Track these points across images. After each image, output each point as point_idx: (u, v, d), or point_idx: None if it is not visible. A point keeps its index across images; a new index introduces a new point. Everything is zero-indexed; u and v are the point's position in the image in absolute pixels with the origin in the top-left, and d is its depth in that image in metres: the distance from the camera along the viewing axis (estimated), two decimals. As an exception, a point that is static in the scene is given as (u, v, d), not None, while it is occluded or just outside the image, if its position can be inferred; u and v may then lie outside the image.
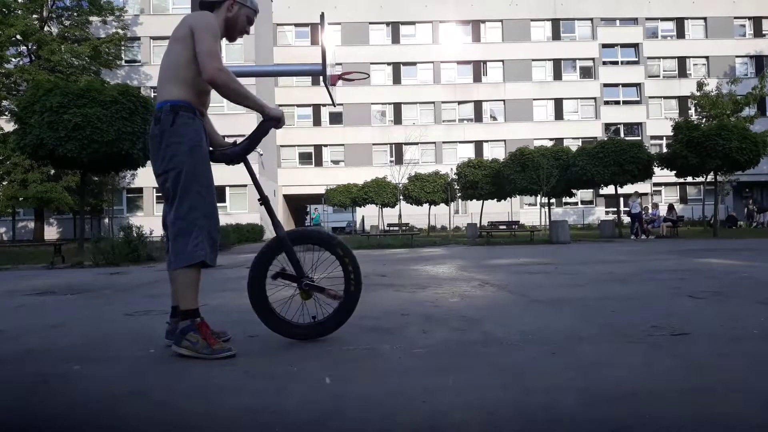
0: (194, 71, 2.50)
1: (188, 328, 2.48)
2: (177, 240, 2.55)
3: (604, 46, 40.97)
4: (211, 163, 2.66)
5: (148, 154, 12.67)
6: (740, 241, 14.99)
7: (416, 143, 36.53)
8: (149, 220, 24.01)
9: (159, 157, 2.53)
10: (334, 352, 2.49)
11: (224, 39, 2.75)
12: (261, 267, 2.78)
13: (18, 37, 24.56)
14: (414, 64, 40.62)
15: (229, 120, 31.22)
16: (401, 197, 28.83)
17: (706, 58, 40.49)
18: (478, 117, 40.62)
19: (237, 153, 2.71)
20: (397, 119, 40.35)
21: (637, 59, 41.05)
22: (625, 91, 41.18)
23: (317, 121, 40.57)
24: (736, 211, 33.54)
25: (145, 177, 28.37)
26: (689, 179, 21.30)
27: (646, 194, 36.16)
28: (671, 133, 19.58)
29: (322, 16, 9.17)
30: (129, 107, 13.66)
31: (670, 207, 20.82)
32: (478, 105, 40.53)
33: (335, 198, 29.48)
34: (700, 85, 28.91)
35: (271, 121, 2.65)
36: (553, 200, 26.86)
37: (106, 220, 29.83)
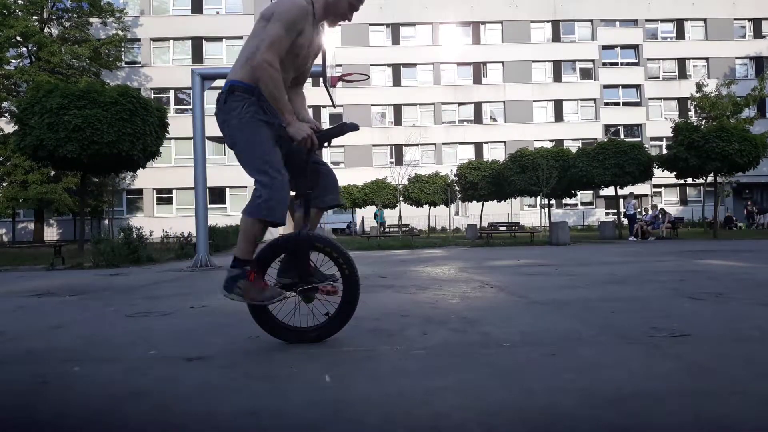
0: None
1: (239, 275, 2.55)
2: (253, 195, 2.61)
3: (604, 47, 40.99)
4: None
5: (147, 155, 12.54)
6: (740, 242, 14.99)
7: (416, 144, 36.53)
8: (149, 222, 24.07)
9: (224, 135, 2.69)
10: (334, 353, 2.49)
11: (324, 23, 2.78)
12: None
13: (18, 38, 24.60)
14: (414, 65, 40.64)
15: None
16: (401, 198, 28.84)
17: (706, 59, 40.52)
18: (478, 118, 40.63)
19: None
20: (397, 120, 40.35)
21: (637, 60, 41.07)
22: (625, 93, 41.19)
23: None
24: (735, 213, 33.54)
25: (145, 178, 28.45)
26: (689, 180, 21.31)
27: (645, 195, 36.17)
28: (671, 135, 19.59)
29: (322, 17, 9.17)
30: (129, 108, 13.68)
31: (663, 211, 20.80)
32: (478, 106, 40.55)
33: (335, 199, 29.49)
34: (699, 87, 28.94)
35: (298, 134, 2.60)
36: (553, 201, 26.87)
37: (106, 222, 29.84)
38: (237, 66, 2.68)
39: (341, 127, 2.72)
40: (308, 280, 2.72)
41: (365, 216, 36.46)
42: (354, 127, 2.72)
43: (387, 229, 27.16)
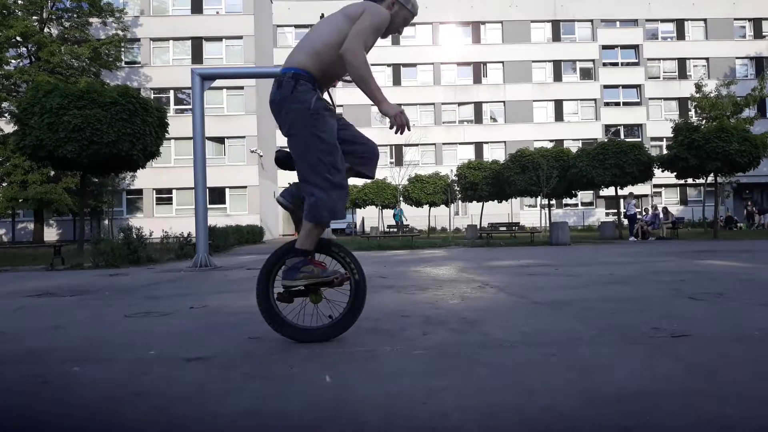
0: (331, 57, 2.65)
1: (301, 262, 2.66)
2: (306, 196, 2.68)
3: (604, 47, 41.01)
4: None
5: (147, 155, 12.47)
6: (740, 242, 14.99)
7: (416, 145, 36.55)
8: (149, 222, 24.07)
9: (281, 122, 2.70)
10: (335, 353, 2.49)
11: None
12: (266, 285, 2.75)
13: (18, 38, 24.58)
14: (414, 65, 40.66)
15: (228, 120, 31.29)
16: (401, 199, 28.83)
17: (706, 59, 40.54)
18: (478, 118, 40.65)
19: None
20: (397, 120, 40.33)
21: (637, 60, 41.09)
22: (625, 93, 41.21)
23: (317, 123, 40.58)
24: (735, 213, 33.54)
25: (145, 178, 28.44)
26: (689, 181, 21.31)
27: (646, 196, 36.17)
28: (671, 135, 19.59)
29: (322, 17, 9.18)
30: (129, 109, 13.68)
31: (665, 210, 20.82)
32: (478, 106, 40.56)
33: (335, 199, 29.46)
34: (698, 87, 28.93)
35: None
36: (553, 202, 26.86)
37: (106, 222, 29.84)
38: (300, 55, 2.69)
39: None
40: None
41: (365, 216, 36.47)
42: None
43: (388, 230, 27.16)
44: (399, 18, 2.86)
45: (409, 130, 2.72)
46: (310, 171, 2.62)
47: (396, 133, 2.68)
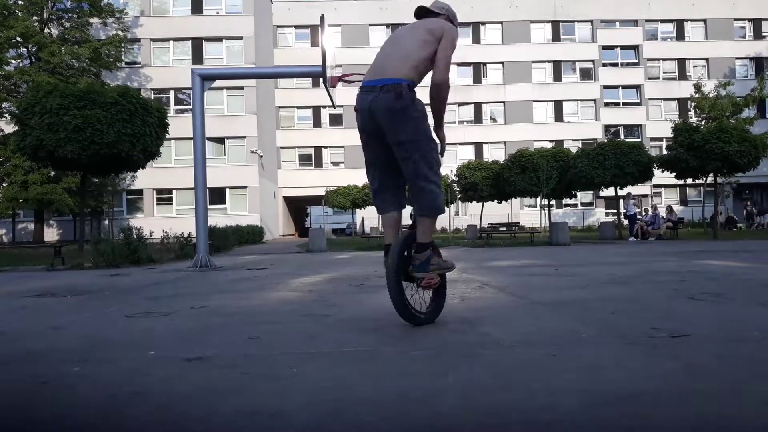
0: (424, 69, 3.04)
1: (431, 255, 2.99)
2: (424, 193, 2.97)
3: (604, 47, 41.03)
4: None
5: (147, 155, 12.42)
6: (740, 242, 14.99)
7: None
8: (149, 222, 24.07)
9: (402, 129, 2.92)
10: (334, 353, 2.49)
11: None
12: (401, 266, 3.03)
13: (18, 38, 24.58)
14: (414, 65, 40.62)
15: (229, 121, 31.29)
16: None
17: (706, 59, 40.56)
18: (478, 118, 40.66)
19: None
20: (397, 121, 40.34)
21: (636, 61, 41.11)
22: (625, 93, 41.23)
23: (317, 123, 40.60)
24: (735, 213, 33.53)
25: (145, 179, 28.45)
26: (689, 181, 21.31)
27: (645, 196, 36.18)
28: (671, 135, 19.60)
29: (322, 17, 9.18)
30: (129, 109, 13.69)
31: (669, 209, 20.82)
32: (477, 107, 40.57)
33: (335, 200, 29.50)
34: (697, 87, 28.94)
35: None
36: (553, 202, 26.86)
37: (106, 222, 29.85)
38: (403, 68, 2.98)
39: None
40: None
41: (365, 216, 36.47)
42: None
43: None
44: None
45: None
46: (430, 170, 2.95)
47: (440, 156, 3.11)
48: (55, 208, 25.64)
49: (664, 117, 39.45)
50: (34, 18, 25.86)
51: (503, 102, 40.33)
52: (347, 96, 36.05)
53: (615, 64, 41.29)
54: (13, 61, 25.44)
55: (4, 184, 25.56)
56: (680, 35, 41.29)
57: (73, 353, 2.65)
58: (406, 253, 3.04)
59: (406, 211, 3.24)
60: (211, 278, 7.22)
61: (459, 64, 40.67)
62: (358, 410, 1.72)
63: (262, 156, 32.12)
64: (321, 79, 9.44)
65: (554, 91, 40.59)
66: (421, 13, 3.30)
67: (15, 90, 25.18)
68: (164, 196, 31.73)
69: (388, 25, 41.10)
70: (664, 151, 26.17)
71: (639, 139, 35.90)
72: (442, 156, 3.11)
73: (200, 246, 9.46)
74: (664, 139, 35.36)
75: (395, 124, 2.91)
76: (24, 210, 28.11)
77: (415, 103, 2.94)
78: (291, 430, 1.57)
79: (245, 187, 31.43)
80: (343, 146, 40.20)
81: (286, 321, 3.46)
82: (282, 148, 39.80)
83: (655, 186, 37.48)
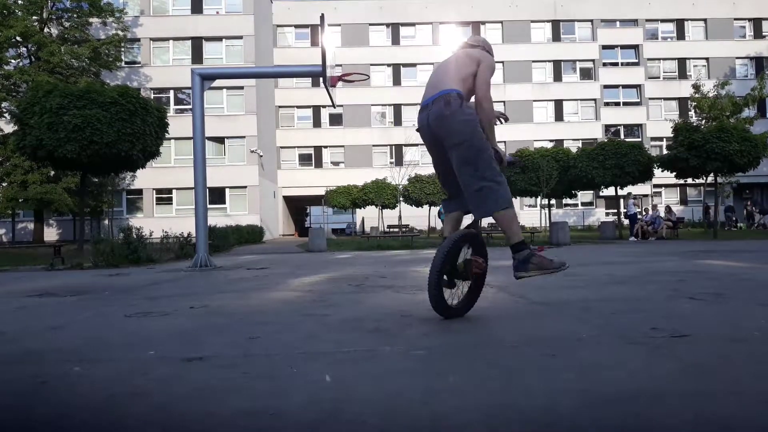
0: (470, 84, 3.32)
1: (529, 255, 3.11)
2: (484, 191, 3.10)
3: (604, 47, 41.02)
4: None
5: (147, 155, 12.42)
6: (740, 242, 14.99)
7: (416, 144, 36.47)
8: (149, 222, 24.07)
9: (454, 131, 3.15)
10: (335, 353, 2.49)
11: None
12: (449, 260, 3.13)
13: (18, 38, 24.58)
14: (414, 65, 40.65)
15: (228, 120, 31.28)
16: (401, 198, 28.81)
17: (706, 59, 40.54)
18: (478, 118, 40.60)
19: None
20: (398, 120, 40.37)
21: (637, 60, 41.10)
22: (625, 93, 41.22)
23: (317, 123, 40.59)
24: (735, 213, 33.52)
25: (144, 178, 28.46)
26: (689, 181, 21.31)
27: (646, 196, 36.18)
28: (671, 135, 19.60)
29: (322, 17, 9.18)
30: (129, 109, 13.69)
31: (668, 209, 20.83)
32: (478, 106, 40.52)
33: (335, 199, 29.49)
34: (696, 87, 28.92)
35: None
36: (553, 202, 26.86)
37: (106, 222, 29.84)
38: (451, 82, 3.27)
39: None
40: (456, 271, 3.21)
41: (365, 216, 36.46)
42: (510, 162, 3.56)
43: (388, 230, 27.16)
44: None
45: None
46: (488, 166, 3.10)
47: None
48: (54, 208, 25.63)
49: (664, 117, 39.44)
50: (34, 17, 25.83)
51: (503, 101, 40.30)
52: (347, 95, 36.14)
53: (615, 64, 41.28)
54: (12, 61, 25.43)
55: (4, 184, 25.55)
56: (680, 35, 41.28)
57: (73, 353, 2.65)
58: (454, 252, 3.15)
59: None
60: (211, 278, 7.22)
61: (459, 64, 40.62)
62: (358, 410, 1.72)
63: (261, 156, 32.11)
64: (321, 79, 9.44)
65: (554, 91, 40.58)
66: (464, 46, 3.69)
67: (15, 90, 25.16)
68: (164, 196, 31.72)
69: (387, 25, 41.10)
70: (664, 151, 26.17)
71: (639, 139, 35.92)
72: (501, 164, 3.28)
73: (200, 246, 9.46)
74: (665, 139, 35.37)
75: (448, 128, 3.16)
76: (24, 210, 28.10)
77: (463, 107, 3.16)
78: (291, 430, 1.57)
79: (245, 187, 31.42)
80: (343, 146, 40.20)
81: (286, 321, 3.46)
82: (282, 147, 39.79)
83: (655, 186, 37.48)
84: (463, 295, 3.34)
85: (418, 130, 3.40)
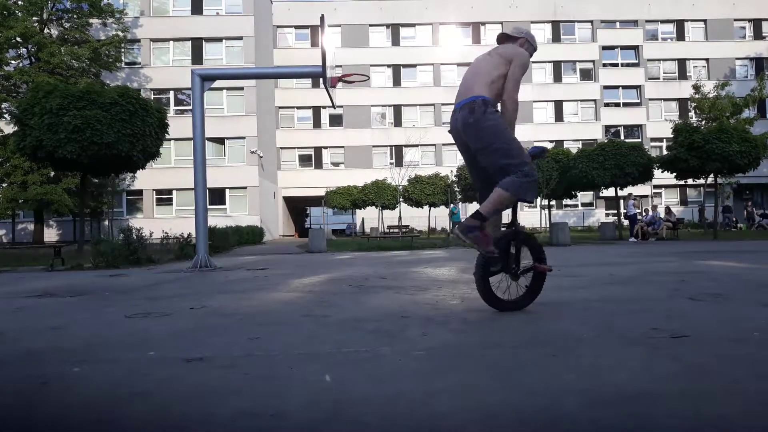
0: (500, 86, 3.46)
1: (477, 227, 3.32)
2: (510, 175, 3.30)
3: (604, 48, 41.02)
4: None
5: (147, 156, 12.45)
6: (740, 242, 14.98)
7: (416, 145, 36.54)
8: (149, 222, 24.08)
9: (478, 138, 3.37)
10: (335, 354, 2.49)
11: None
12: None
13: (18, 39, 24.56)
14: (414, 66, 40.67)
15: (229, 121, 31.28)
16: (401, 199, 28.82)
17: (706, 60, 40.55)
18: (478, 119, 40.60)
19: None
20: (397, 121, 40.38)
21: (637, 61, 41.10)
22: (625, 93, 41.22)
23: (317, 123, 40.60)
24: (735, 213, 33.51)
25: (144, 179, 28.46)
26: (689, 181, 21.30)
27: (646, 196, 36.18)
28: (671, 136, 19.60)
29: (322, 18, 9.19)
30: (129, 109, 13.68)
31: (668, 209, 20.82)
32: (478, 107, 40.51)
33: (335, 200, 29.49)
34: (696, 88, 28.91)
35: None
36: (553, 202, 26.85)
37: (106, 222, 29.83)
38: (478, 87, 3.44)
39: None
40: (512, 268, 3.57)
41: (365, 217, 36.46)
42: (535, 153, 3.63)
43: (388, 230, 27.15)
44: (529, 52, 3.71)
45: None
46: (518, 160, 3.32)
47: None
48: (54, 209, 25.61)
49: (664, 117, 39.45)
50: (34, 18, 25.82)
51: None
52: (347, 96, 36.14)
53: (615, 65, 41.29)
54: (12, 62, 25.41)
55: (4, 185, 25.54)
56: (680, 35, 41.29)
57: (73, 353, 2.65)
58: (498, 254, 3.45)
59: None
60: (211, 279, 7.22)
61: (459, 65, 40.67)
62: (359, 410, 1.72)
63: (261, 156, 32.11)
64: (321, 80, 9.44)
65: (554, 92, 40.59)
66: (502, 38, 3.79)
67: (15, 90, 25.17)
68: (164, 197, 31.72)
69: (387, 25, 41.11)
70: (664, 152, 26.16)
71: (639, 140, 35.93)
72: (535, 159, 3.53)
73: (200, 246, 9.46)
74: (665, 140, 35.36)
75: (472, 135, 3.38)
76: (24, 210, 28.08)
77: (487, 114, 3.33)
78: (291, 430, 1.57)
79: (245, 188, 31.42)
80: (343, 146, 40.20)
81: (286, 321, 3.46)
82: (282, 148, 39.79)
83: (655, 186, 37.47)
84: (523, 293, 3.62)
85: (449, 131, 3.63)
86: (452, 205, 27.61)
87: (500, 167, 3.32)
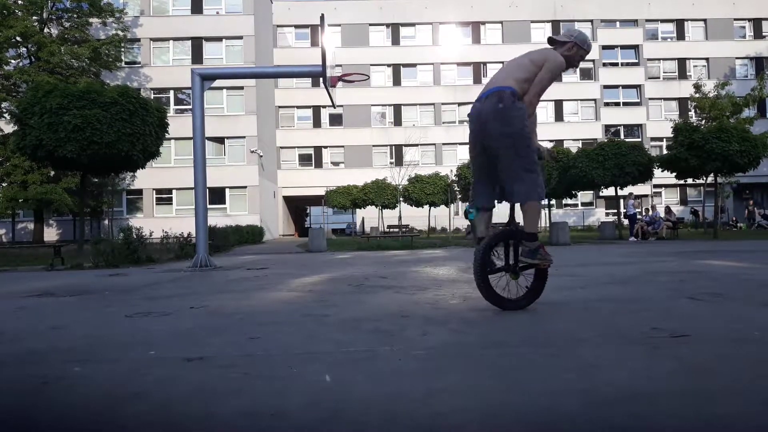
0: (526, 89, 3.47)
1: (539, 246, 3.45)
2: (524, 182, 3.37)
3: (604, 47, 41.01)
4: None
5: (147, 155, 12.47)
6: (740, 242, 14.98)
7: (416, 145, 36.54)
8: (149, 222, 24.07)
9: (506, 123, 3.36)
10: (335, 354, 2.49)
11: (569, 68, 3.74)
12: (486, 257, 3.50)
13: (18, 38, 24.57)
14: (414, 65, 40.66)
15: (228, 120, 31.28)
16: (401, 199, 28.81)
17: (706, 59, 40.54)
18: (478, 118, 40.58)
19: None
20: (397, 121, 40.37)
21: (637, 61, 41.10)
22: (625, 93, 41.22)
23: (317, 123, 40.60)
24: (735, 213, 33.49)
25: (144, 179, 28.44)
26: (689, 181, 21.30)
27: (646, 196, 36.17)
28: (671, 135, 19.59)
29: (322, 17, 9.19)
30: (129, 109, 13.67)
31: (668, 209, 20.82)
32: (478, 106, 40.50)
33: (335, 200, 29.48)
34: (697, 87, 28.89)
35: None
36: (553, 202, 26.85)
37: (106, 222, 29.83)
38: (507, 81, 3.46)
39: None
40: (515, 265, 3.56)
41: (365, 216, 36.45)
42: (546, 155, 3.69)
43: (388, 230, 27.15)
44: (577, 57, 3.70)
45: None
46: (530, 160, 3.38)
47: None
48: (54, 208, 25.61)
49: (664, 117, 39.44)
50: (34, 18, 25.82)
51: (503, 102, 40.32)
52: (347, 96, 36.12)
53: (615, 64, 41.28)
54: (12, 61, 25.42)
55: (4, 184, 25.54)
56: (680, 35, 41.28)
57: (72, 353, 2.65)
58: (491, 250, 3.51)
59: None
60: (211, 278, 7.22)
61: (459, 64, 40.69)
62: (359, 410, 1.72)
63: (261, 156, 32.10)
64: (321, 79, 9.44)
65: (554, 91, 40.51)
66: (550, 42, 3.78)
67: (15, 90, 25.16)
68: (164, 196, 31.71)
69: (387, 25, 41.10)
70: (665, 151, 26.15)
71: (639, 139, 35.91)
72: (541, 159, 3.57)
73: (200, 246, 9.46)
74: (665, 139, 35.34)
75: (497, 122, 3.37)
76: (24, 210, 28.08)
77: (515, 104, 3.37)
78: (291, 430, 1.57)
79: (245, 187, 31.41)
80: (343, 146, 40.19)
81: (286, 321, 3.46)
82: (282, 147, 39.79)
83: (655, 186, 37.46)
84: (524, 292, 3.62)
85: (468, 115, 3.63)
86: (470, 209, 27.76)
87: (517, 162, 3.36)
